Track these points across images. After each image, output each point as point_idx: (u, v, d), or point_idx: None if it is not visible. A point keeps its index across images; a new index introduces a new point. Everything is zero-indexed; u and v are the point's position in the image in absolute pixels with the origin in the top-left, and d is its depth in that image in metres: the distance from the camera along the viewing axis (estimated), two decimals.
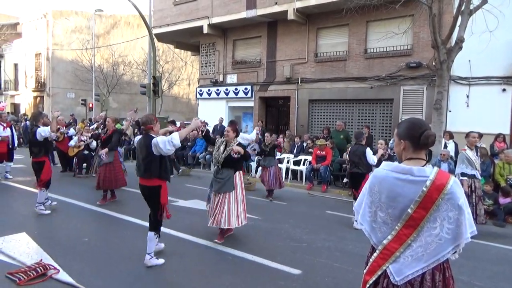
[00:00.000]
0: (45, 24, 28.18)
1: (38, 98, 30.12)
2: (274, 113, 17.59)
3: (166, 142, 4.52)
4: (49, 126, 6.85)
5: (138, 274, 4.40)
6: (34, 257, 4.69)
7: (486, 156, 8.80)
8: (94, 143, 9.18)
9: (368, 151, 7.12)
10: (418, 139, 2.08)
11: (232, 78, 17.60)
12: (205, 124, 5.94)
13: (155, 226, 4.72)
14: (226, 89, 17.57)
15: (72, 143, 11.37)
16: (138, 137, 4.98)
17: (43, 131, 6.76)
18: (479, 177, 6.78)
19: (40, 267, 4.24)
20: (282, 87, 15.87)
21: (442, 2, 11.66)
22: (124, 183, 8.15)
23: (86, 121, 18.63)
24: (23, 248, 5.04)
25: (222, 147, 5.71)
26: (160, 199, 4.68)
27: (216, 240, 5.58)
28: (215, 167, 5.85)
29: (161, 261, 4.73)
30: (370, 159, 7.00)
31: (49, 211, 6.90)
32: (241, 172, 5.86)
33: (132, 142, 15.42)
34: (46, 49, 28.22)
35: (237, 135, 5.87)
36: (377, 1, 10.30)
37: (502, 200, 7.97)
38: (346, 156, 7.24)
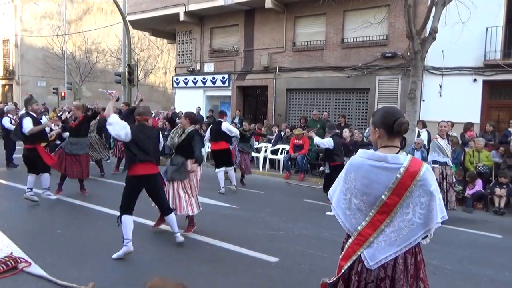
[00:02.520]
0: (13, 9, 26.97)
1: (7, 87, 28.95)
2: (252, 102, 17.56)
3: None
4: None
5: (113, 265, 4.34)
6: (4, 250, 4.54)
7: (457, 145, 9.07)
8: (66, 133, 8.91)
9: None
10: (392, 127, 2.11)
11: (209, 67, 17.41)
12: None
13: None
14: (204, 78, 17.38)
15: None
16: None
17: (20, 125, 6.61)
18: (451, 164, 7.00)
19: (11, 261, 4.10)
20: (259, 76, 15.83)
21: None
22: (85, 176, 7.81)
23: (58, 109, 18.07)
24: None
25: (178, 134, 5.59)
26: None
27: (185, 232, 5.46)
28: (170, 153, 5.85)
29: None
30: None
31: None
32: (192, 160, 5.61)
33: None
34: (14, 35, 27.06)
35: (191, 123, 5.65)
36: None
37: (469, 191, 8.25)
38: (322, 141, 7.32)
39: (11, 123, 9.70)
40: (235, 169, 9.02)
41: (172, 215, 4.96)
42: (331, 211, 6.04)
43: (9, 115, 10.11)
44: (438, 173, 6.72)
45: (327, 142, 7.47)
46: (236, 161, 9.27)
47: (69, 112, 13.13)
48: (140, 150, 4.55)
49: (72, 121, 7.90)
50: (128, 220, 4.58)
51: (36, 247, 4.75)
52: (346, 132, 7.79)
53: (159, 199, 4.91)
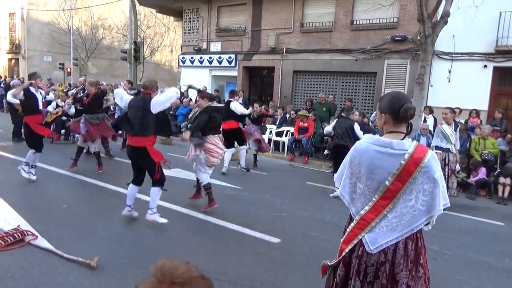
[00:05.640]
0: None
1: (13, 61, 28.89)
2: (258, 84, 17.43)
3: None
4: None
5: (118, 240, 4.42)
6: (12, 223, 4.63)
7: (463, 131, 9.01)
8: (72, 109, 8.95)
9: (356, 125, 7.33)
10: (398, 113, 2.10)
11: (216, 46, 17.23)
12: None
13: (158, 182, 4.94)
14: (210, 57, 17.23)
15: (49, 108, 11.06)
16: (130, 98, 5.11)
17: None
18: (454, 151, 6.92)
19: (18, 233, 4.19)
20: (266, 57, 15.66)
21: None
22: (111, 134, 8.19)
23: (64, 85, 18.07)
24: (0, 214, 4.97)
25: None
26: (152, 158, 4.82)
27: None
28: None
29: (163, 220, 4.90)
30: (358, 133, 7.18)
31: (27, 176, 6.69)
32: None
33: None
34: (20, 9, 26.80)
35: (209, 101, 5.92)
36: None
37: (473, 178, 8.23)
38: (327, 127, 7.42)
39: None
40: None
41: (154, 189, 4.97)
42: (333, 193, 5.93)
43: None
44: (440, 159, 6.70)
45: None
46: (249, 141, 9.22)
47: (75, 88, 13.17)
48: (129, 124, 4.86)
49: (85, 98, 7.96)
50: (130, 188, 5.01)
51: (42, 220, 4.85)
52: (356, 115, 7.79)
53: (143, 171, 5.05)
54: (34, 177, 6.65)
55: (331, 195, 7.06)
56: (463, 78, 11.46)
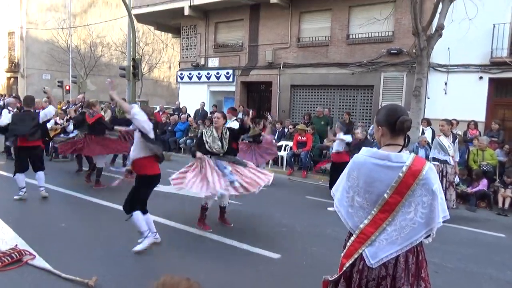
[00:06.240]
0: (19, 1, 26.97)
1: (12, 79, 29.05)
2: (256, 98, 17.51)
3: None
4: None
5: (116, 259, 4.37)
6: (9, 242, 4.58)
7: (461, 143, 9.03)
8: (70, 126, 8.95)
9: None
10: (395, 125, 2.11)
11: (213, 62, 17.37)
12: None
13: None
14: (208, 73, 17.35)
15: (48, 126, 11.05)
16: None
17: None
18: (452, 163, 6.89)
19: (15, 253, 4.15)
20: (264, 71, 15.79)
21: None
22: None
23: (63, 103, 18.12)
24: None
25: (216, 135, 5.49)
26: None
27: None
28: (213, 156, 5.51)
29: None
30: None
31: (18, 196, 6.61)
32: None
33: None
34: (19, 28, 27.09)
35: (225, 121, 5.81)
36: None
37: (472, 189, 8.19)
38: (326, 141, 7.53)
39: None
40: None
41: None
42: (332, 207, 6.04)
43: (8, 107, 10.13)
44: (437, 171, 6.68)
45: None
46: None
47: (74, 105, 13.23)
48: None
49: (90, 116, 7.89)
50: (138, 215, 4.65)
51: (40, 240, 4.80)
52: (358, 134, 7.91)
53: None
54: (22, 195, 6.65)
55: (328, 208, 7.01)
56: (459, 89, 11.55)
